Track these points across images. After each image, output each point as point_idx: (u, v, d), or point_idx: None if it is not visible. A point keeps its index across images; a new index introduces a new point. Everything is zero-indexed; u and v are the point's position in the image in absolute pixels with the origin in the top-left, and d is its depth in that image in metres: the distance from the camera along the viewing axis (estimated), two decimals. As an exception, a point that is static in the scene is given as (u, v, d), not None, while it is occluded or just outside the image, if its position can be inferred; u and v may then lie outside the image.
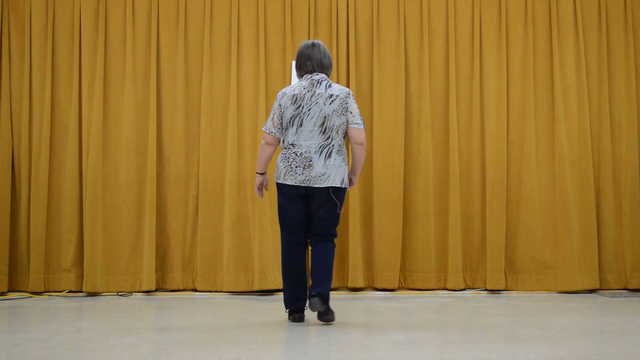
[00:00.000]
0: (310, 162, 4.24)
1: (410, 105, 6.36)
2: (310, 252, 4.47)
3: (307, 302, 4.29)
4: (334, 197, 4.28)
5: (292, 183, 4.26)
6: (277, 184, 4.35)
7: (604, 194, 6.33)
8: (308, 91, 4.29)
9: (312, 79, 4.33)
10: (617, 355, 3.40)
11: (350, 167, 4.50)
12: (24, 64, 6.22)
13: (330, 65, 4.41)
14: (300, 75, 4.40)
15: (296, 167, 4.25)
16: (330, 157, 4.25)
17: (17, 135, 6.21)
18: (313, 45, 4.38)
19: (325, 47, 4.42)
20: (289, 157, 4.28)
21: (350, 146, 4.44)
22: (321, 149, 4.25)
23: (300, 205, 4.32)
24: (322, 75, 4.36)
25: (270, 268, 6.09)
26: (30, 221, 6.10)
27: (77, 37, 6.27)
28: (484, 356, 3.34)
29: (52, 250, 6.15)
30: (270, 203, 6.16)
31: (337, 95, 4.28)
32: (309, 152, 4.24)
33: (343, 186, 4.31)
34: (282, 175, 4.30)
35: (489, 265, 6.20)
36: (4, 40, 6.26)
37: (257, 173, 4.49)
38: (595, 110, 6.41)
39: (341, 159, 4.30)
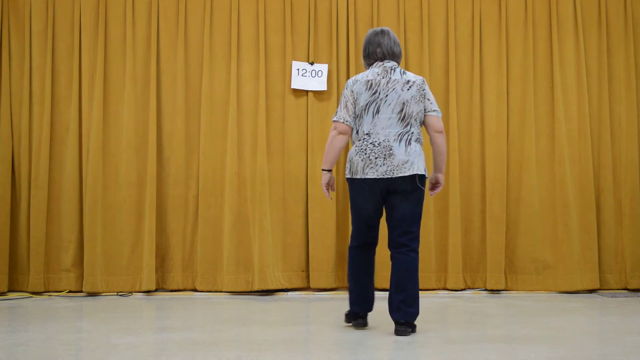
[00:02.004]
0: (391, 151, 3.93)
1: (410, 105, 6.35)
2: (390, 263, 4.08)
3: (392, 320, 4.03)
4: (420, 185, 3.95)
5: (374, 176, 3.94)
6: (354, 180, 4.01)
7: (604, 194, 6.33)
8: (383, 77, 4.01)
9: (384, 66, 4.05)
10: (617, 355, 3.40)
11: (433, 163, 4.19)
12: (24, 64, 6.22)
13: (400, 54, 4.14)
14: (369, 64, 4.14)
15: (376, 158, 3.93)
16: (410, 144, 3.96)
17: (17, 135, 6.21)
18: (382, 32, 4.12)
19: (395, 35, 4.16)
20: (365, 149, 3.96)
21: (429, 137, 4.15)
22: (400, 136, 3.96)
23: (379, 202, 4.00)
24: (394, 63, 4.10)
25: (270, 268, 6.08)
26: (30, 221, 6.10)
27: (77, 37, 6.27)
28: (484, 356, 3.34)
29: (52, 250, 6.15)
30: (270, 203, 6.15)
31: (414, 82, 4.03)
32: (388, 141, 3.95)
33: (426, 174, 4.04)
34: (360, 169, 3.97)
35: (489, 265, 6.19)
36: (4, 40, 6.25)
37: (324, 170, 4.12)
38: (595, 110, 6.41)
39: (421, 147, 4.03)
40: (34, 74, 6.22)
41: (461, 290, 6.22)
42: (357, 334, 4.04)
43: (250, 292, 6.11)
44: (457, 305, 5.46)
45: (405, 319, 3.90)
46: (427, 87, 4.07)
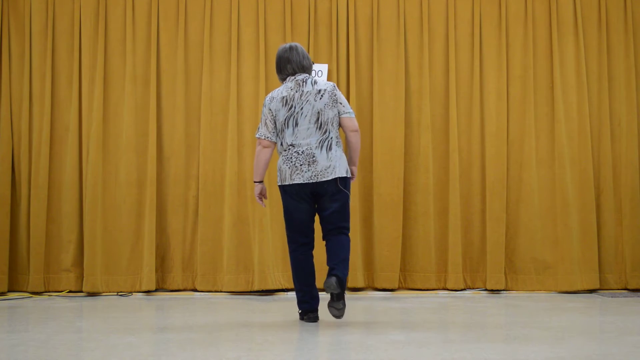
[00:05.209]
0: (314, 158, 4.29)
1: (410, 105, 6.36)
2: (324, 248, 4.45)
3: (324, 284, 4.23)
4: (342, 188, 4.34)
5: (300, 181, 4.30)
6: (283, 186, 4.37)
7: (604, 194, 6.33)
8: (296, 91, 4.37)
9: (296, 80, 4.40)
10: (617, 355, 3.40)
11: (348, 157, 4.51)
12: (24, 64, 6.22)
13: (310, 66, 4.49)
14: (282, 78, 4.49)
15: (301, 165, 4.30)
16: (331, 149, 4.33)
17: (17, 135, 6.21)
18: (291, 48, 4.46)
19: (304, 49, 4.50)
20: (291, 158, 4.33)
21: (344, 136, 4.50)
22: (321, 143, 4.32)
23: (307, 204, 4.37)
24: (305, 74, 4.44)
25: (270, 268, 6.09)
26: (30, 221, 6.10)
27: (77, 37, 6.27)
28: (484, 356, 3.34)
29: (52, 250, 6.15)
30: (270, 203, 6.15)
31: (325, 89, 4.37)
32: (311, 149, 4.31)
33: (348, 175, 4.39)
34: (287, 176, 4.33)
35: (489, 265, 6.20)
36: (4, 40, 6.26)
37: (256, 182, 4.50)
38: (595, 110, 6.41)
39: (340, 150, 4.39)
40: (34, 74, 6.22)
41: (461, 290, 6.22)
42: (357, 334, 4.04)
43: (250, 292, 6.11)
44: (457, 305, 5.46)
45: (334, 272, 4.18)
46: (338, 92, 4.42)
